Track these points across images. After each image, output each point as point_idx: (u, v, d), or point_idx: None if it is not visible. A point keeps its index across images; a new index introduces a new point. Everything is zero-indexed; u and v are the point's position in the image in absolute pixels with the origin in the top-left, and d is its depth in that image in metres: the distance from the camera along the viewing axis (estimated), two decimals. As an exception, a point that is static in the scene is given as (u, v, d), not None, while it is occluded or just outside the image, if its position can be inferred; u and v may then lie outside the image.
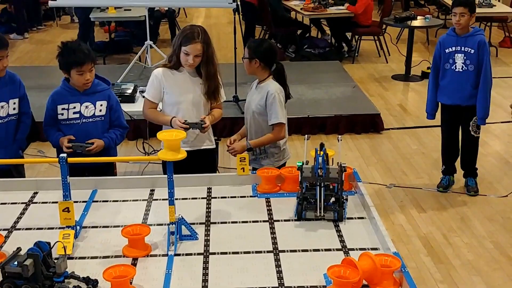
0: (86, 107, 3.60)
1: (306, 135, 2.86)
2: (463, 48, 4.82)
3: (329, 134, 6.57)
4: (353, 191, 3.05)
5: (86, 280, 2.23)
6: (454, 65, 4.88)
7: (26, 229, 2.70)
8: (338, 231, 2.67)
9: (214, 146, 3.91)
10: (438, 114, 5.17)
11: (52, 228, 2.65)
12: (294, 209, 2.79)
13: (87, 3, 7.95)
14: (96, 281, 2.23)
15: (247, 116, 3.85)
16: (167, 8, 9.87)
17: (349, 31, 9.53)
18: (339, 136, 2.80)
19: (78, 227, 2.62)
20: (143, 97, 3.77)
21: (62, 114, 3.59)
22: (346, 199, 2.76)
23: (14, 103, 3.60)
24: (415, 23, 8.62)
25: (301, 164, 2.74)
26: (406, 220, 4.83)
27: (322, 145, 2.73)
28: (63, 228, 2.54)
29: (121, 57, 9.27)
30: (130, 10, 8.91)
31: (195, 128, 3.51)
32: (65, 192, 2.52)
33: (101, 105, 3.64)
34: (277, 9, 9.33)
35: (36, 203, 2.97)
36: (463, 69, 4.85)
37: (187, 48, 3.51)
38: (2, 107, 3.54)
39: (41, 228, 2.70)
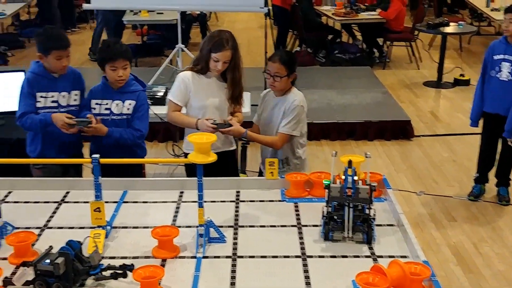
0: (117, 104, 3.67)
1: (333, 152, 2.74)
2: (511, 57, 4.72)
3: (359, 140, 6.54)
4: (383, 198, 3.02)
5: (123, 267, 2.26)
6: (500, 73, 4.77)
7: (58, 228, 2.74)
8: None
9: (234, 148, 3.95)
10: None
11: (83, 228, 2.67)
12: (321, 229, 2.70)
13: (120, 6, 8.03)
14: (132, 266, 2.26)
15: (269, 132, 3.73)
16: (198, 12, 9.93)
17: (380, 36, 9.47)
18: (368, 153, 2.74)
19: (108, 227, 2.65)
20: (168, 99, 3.80)
21: (95, 109, 3.68)
22: (374, 219, 2.64)
23: (76, 95, 3.69)
24: (448, 29, 8.53)
25: (328, 183, 2.65)
26: (435, 228, 4.77)
27: (350, 163, 2.66)
28: (94, 228, 2.57)
29: (153, 60, 9.36)
30: (162, 13, 8.99)
31: (223, 128, 3.52)
32: (97, 193, 2.54)
33: (130, 104, 3.68)
34: (308, 14, 9.31)
35: (68, 202, 3.00)
36: (508, 78, 4.74)
37: (217, 55, 3.54)
38: (63, 96, 3.64)
39: (73, 228, 2.73)
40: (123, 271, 2.26)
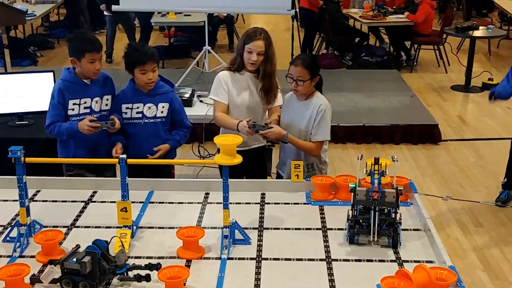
0: (149, 108, 3.67)
1: (359, 155, 2.72)
2: None
3: (385, 143, 6.49)
4: (409, 202, 3.00)
5: (149, 266, 2.28)
6: None
7: (85, 227, 2.77)
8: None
9: (263, 144, 3.95)
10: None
11: (110, 227, 2.70)
12: (346, 232, 2.69)
13: (148, 7, 8.11)
14: (159, 265, 2.28)
15: (291, 131, 3.61)
16: (225, 14, 9.97)
17: (408, 40, 9.41)
18: (395, 156, 2.73)
19: (134, 227, 2.67)
20: (213, 100, 3.79)
21: (126, 113, 3.69)
22: (400, 223, 2.62)
23: (107, 99, 3.71)
24: (477, 33, 8.42)
25: (354, 186, 2.63)
26: (462, 233, 4.72)
27: (377, 160, 2.65)
28: (120, 227, 2.59)
29: (180, 61, 9.42)
30: (189, 15, 9.04)
31: (262, 130, 3.47)
32: (124, 192, 2.57)
33: (163, 106, 3.69)
34: (335, 16, 9.28)
35: (95, 202, 3.03)
36: None
37: (250, 46, 3.59)
38: (96, 102, 3.66)
39: (99, 227, 2.76)
40: (147, 273, 2.27)
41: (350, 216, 2.63)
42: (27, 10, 8.90)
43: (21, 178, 2.53)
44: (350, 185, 2.66)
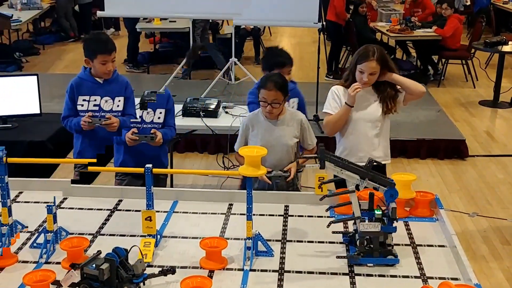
0: (148, 113, 3.75)
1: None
2: None
3: (410, 158, 6.43)
4: (434, 218, 2.97)
5: (164, 272, 2.30)
6: None
7: (110, 235, 2.79)
8: (417, 257, 2.60)
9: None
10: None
11: (134, 236, 2.72)
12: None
13: (134, 13, 8.07)
14: (173, 269, 2.31)
15: (274, 154, 3.47)
16: (252, 26, 10.01)
17: (436, 54, 9.34)
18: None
19: (158, 236, 2.68)
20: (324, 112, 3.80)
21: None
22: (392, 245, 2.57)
23: (119, 101, 3.79)
24: (506, 48, 8.31)
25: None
26: (489, 251, 4.64)
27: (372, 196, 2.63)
28: (144, 236, 2.61)
29: (165, 67, 9.39)
30: (175, 21, 9.03)
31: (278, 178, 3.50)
32: (149, 202, 2.58)
33: (160, 112, 3.78)
34: (362, 29, 9.27)
35: (120, 210, 3.05)
36: None
37: (362, 66, 3.56)
38: (106, 101, 3.75)
39: (124, 235, 2.77)
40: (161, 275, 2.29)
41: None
42: (12, 15, 8.97)
43: (3, 178, 2.52)
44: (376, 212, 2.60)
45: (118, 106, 3.79)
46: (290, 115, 3.60)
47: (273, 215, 3.00)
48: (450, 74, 9.52)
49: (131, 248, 2.38)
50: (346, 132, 3.71)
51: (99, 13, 7.74)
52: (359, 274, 2.46)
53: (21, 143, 4.39)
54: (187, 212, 3.02)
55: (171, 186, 4.72)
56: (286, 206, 3.09)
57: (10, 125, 4.64)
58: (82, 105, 3.74)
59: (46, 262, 2.52)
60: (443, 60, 9.33)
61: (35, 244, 2.64)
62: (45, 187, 3.19)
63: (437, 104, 7.77)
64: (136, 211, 2.97)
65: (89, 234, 2.76)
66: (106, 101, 3.76)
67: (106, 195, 3.18)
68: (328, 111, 3.71)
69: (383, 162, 3.69)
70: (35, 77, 4.63)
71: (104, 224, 2.89)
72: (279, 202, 3.12)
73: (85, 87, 3.74)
